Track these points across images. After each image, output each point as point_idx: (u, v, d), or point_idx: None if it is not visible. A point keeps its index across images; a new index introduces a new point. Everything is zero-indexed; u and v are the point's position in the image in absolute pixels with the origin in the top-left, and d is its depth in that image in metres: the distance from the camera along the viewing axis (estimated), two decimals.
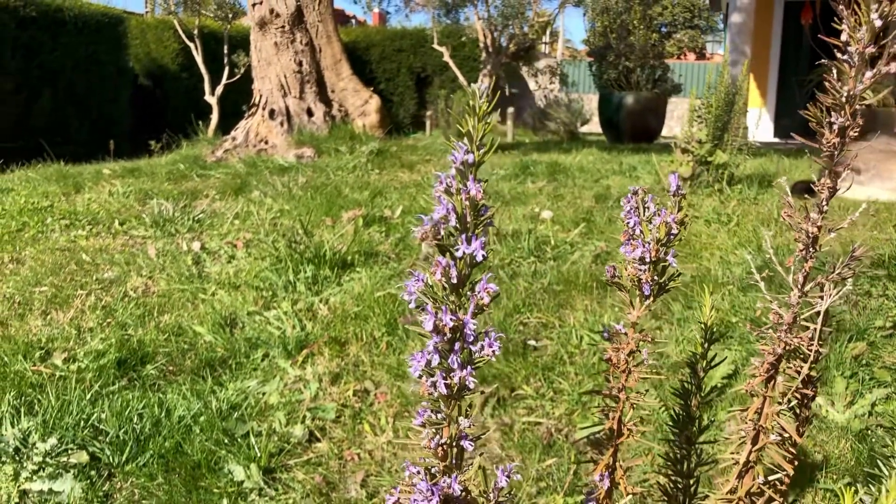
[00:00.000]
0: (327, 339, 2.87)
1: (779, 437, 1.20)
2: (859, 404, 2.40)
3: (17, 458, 2.20)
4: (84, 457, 2.21)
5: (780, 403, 1.19)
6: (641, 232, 1.04)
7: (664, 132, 12.16)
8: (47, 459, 2.18)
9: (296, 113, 7.12)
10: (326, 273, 3.46)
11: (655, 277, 1.06)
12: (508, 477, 0.90)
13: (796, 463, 1.36)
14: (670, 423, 1.49)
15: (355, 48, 18.33)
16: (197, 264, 3.73)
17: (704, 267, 3.51)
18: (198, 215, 4.53)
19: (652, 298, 1.08)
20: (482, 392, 2.51)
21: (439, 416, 0.87)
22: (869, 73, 1.05)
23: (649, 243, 1.03)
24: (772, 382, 1.19)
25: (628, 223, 1.06)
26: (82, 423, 2.33)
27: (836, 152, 1.08)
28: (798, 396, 1.34)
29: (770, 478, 1.22)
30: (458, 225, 0.83)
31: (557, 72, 18.75)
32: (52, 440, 2.23)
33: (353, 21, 27.17)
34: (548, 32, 22.79)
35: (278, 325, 2.99)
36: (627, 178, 5.63)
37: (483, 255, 0.83)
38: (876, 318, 2.88)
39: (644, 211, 1.05)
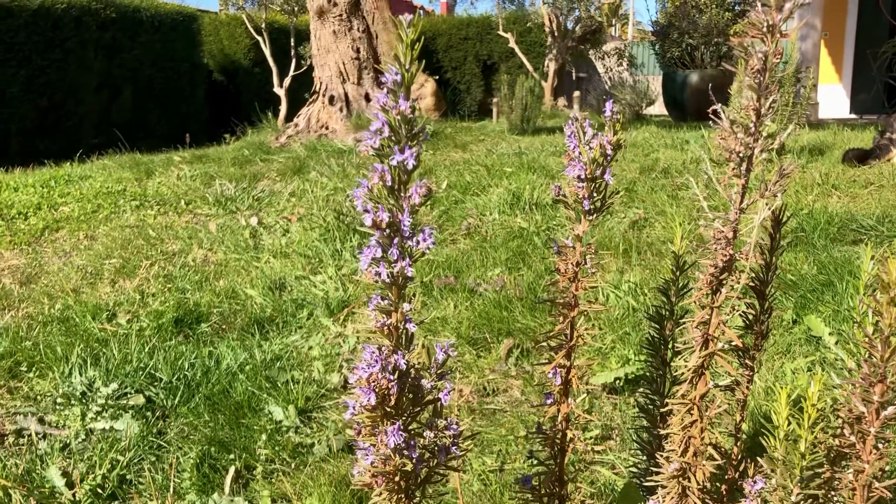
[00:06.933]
0: (367, 298, 3.05)
1: (726, 345, 1.32)
2: None
3: (84, 402, 2.45)
4: (141, 399, 2.45)
5: (726, 314, 1.30)
6: (580, 154, 1.18)
7: None
8: (109, 402, 2.43)
9: (354, 98, 7.35)
10: None
11: (594, 194, 1.19)
12: (447, 354, 1.05)
13: (751, 373, 1.47)
14: (646, 346, 1.62)
15: (422, 38, 18.52)
16: (253, 237, 3.97)
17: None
18: (258, 194, 4.79)
19: (595, 214, 1.21)
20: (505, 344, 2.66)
21: (386, 302, 1.03)
22: (788, 5, 1.16)
23: (585, 163, 1.16)
24: (717, 294, 1.30)
25: (569, 147, 1.19)
26: (140, 371, 2.58)
27: (761, 78, 1.19)
28: (753, 311, 1.46)
29: (720, 383, 1.33)
30: (392, 136, 0.99)
31: (625, 54, 18.55)
32: (114, 385, 2.48)
33: (421, 11, 27.39)
34: (618, 14, 22.60)
35: (323, 288, 3.20)
36: (678, 151, 5.67)
37: (413, 164, 0.98)
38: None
39: (583, 136, 1.19)
